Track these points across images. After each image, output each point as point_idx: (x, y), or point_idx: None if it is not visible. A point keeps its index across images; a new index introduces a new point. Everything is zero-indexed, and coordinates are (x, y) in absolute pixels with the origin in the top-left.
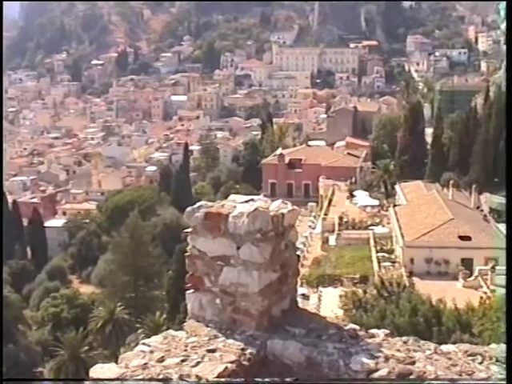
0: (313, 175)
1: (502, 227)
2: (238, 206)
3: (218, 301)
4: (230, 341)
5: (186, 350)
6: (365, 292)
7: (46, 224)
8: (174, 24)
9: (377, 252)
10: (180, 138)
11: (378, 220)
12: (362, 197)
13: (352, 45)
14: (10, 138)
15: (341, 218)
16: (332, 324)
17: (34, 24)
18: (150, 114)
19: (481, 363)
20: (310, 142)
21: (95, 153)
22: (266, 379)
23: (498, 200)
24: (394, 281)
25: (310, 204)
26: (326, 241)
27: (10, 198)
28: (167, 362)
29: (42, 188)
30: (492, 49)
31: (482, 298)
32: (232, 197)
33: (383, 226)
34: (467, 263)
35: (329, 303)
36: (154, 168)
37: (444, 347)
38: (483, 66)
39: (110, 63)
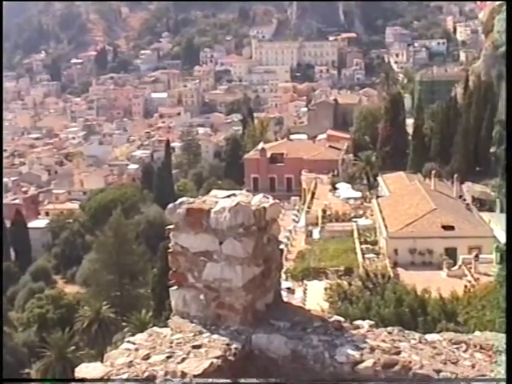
0: (295, 169)
1: (485, 216)
2: (220, 201)
3: (201, 296)
4: (215, 336)
5: (171, 347)
6: (350, 284)
7: (29, 225)
8: (152, 21)
9: (361, 244)
10: (161, 135)
11: (361, 212)
12: (345, 189)
13: (331, 38)
14: None
15: (324, 211)
16: (316, 317)
17: (11, 24)
18: (131, 112)
19: (465, 351)
20: (291, 136)
21: (77, 152)
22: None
23: (480, 189)
24: (379, 272)
25: (292, 198)
26: (309, 234)
27: None
28: (153, 360)
29: (23, 189)
30: (470, 38)
31: (466, 286)
32: (213, 192)
33: (366, 217)
34: (451, 252)
35: (314, 296)
36: (136, 166)
37: (428, 336)
38: (462, 56)
39: (90, 62)
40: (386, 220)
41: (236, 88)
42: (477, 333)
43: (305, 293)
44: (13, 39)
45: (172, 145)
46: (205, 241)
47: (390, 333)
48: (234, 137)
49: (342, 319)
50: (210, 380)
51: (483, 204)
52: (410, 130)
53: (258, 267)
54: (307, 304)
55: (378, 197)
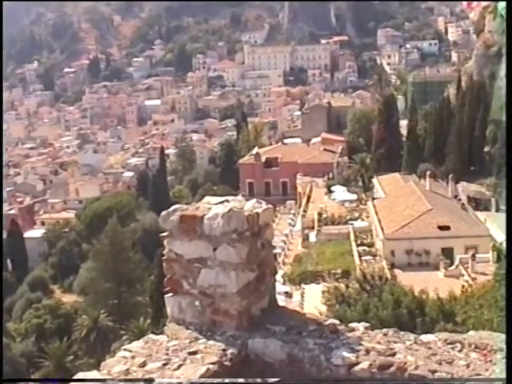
0: (290, 173)
1: (481, 215)
2: (213, 207)
3: (197, 303)
4: (211, 342)
5: (167, 354)
6: (347, 287)
7: (25, 235)
8: (144, 28)
9: (357, 246)
10: (155, 142)
11: (357, 214)
12: (340, 192)
13: (323, 41)
14: None
15: (320, 214)
16: (312, 320)
17: (3, 35)
18: (125, 120)
19: (460, 351)
20: (285, 140)
21: (71, 161)
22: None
23: (475, 188)
24: (376, 274)
25: (288, 202)
26: (306, 237)
27: None
28: (149, 367)
29: (19, 199)
30: (462, 39)
31: (463, 286)
32: (206, 198)
33: (362, 219)
34: (447, 252)
35: (312, 300)
36: (131, 173)
37: (424, 337)
38: (454, 56)
39: (82, 71)
40: (382, 222)
41: (229, 93)
42: (471, 332)
43: (302, 296)
44: (5, 50)
45: (166, 152)
46: (199, 247)
47: (385, 334)
48: (228, 142)
49: (337, 322)
50: (210, 380)
51: (478, 203)
52: (403, 131)
53: (253, 272)
54: (305, 308)
55: (373, 199)
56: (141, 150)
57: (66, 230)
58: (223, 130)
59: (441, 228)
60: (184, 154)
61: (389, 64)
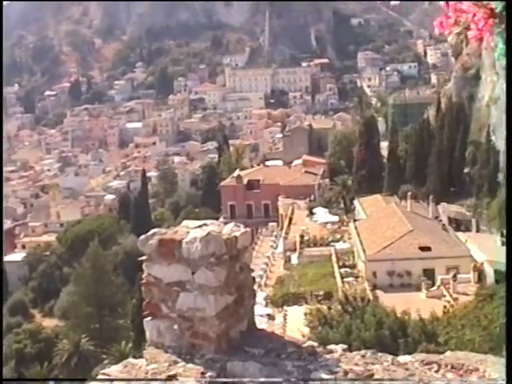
0: (272, 195)
1: (461, 236)
2: (191, 231)
3: (176, 326)
4: (190, 365)
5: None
6: (329, 308)
7: (6, 259)
8: (125, 51)
9: (339, 268)
10: (137, 164)
11: (338, 236)
12: (322, 214)
13: (304, 64)
14: None
15: (302, 236)
16: (290, 342)
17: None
18: (106, 143)
19: (437, 371)
20: (267, 162)
21: (52, 184)
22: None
23: (456, 209)
24: (358, 295)
25: (270, 224)
26: (288, 259)
27: None
28: None
29: None
30: (441, 61)
31: (445, 306)
32: (185, 222)
33: (344, 241)
34: (429, 273)
35: (294, 322)
36: (112, 196)
37: (401, 358)
38: (433, 79)
39: (64, 93)
40: (363, 243)
41: (211, 116)
42: (448, 353)
43: (285, 318)
44: None
45: (148, 174)
46: (177, 271)
47: (363, 356)
48: (209, 165)
49: (315, 344)
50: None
51: (459, 224)
52: (384, 152)
53: (231, 295)
54: (288, 330)
55: (355, 220)
56: (122, 173)
57: (47, 253)
58: (205, 153)
59: (422, 249)
60: (166, 176)
61: (369, 86)
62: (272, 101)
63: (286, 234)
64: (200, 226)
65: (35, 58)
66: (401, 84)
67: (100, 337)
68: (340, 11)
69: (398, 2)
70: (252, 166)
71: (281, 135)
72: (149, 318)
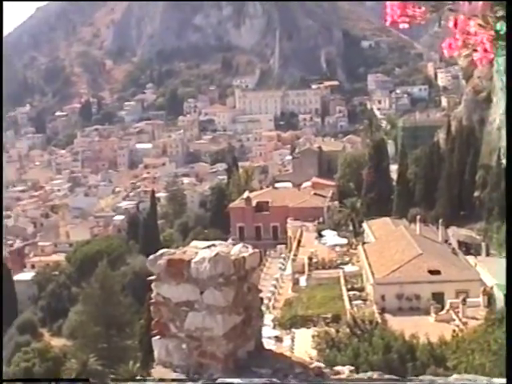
0: (280, 217)
1: (471, 259)
2: (200, 251)
3: (184, 346)
4: None
5: None
6: (337, 331)
7: (15, 278)
8: (136, 73)
9: (348, 290)
10: (146, 185)
11: (347, 259)
12: (331, 236)
13: (314, 86)
14: None
15: (310, 259)
16: (298, 363)
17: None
18: (116, 163)
19: None
20: (276, 184)
21: (62, 204)
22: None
23: (465, 233)
24: (366, 318)
25: (279, 246)
26: (296, 282)
27: None
28: None
29: (9, 242)
30: (452, 84)
31: (454, 331)
32: (194, 243)
33: (353, 264)
34: (438, 297)
35: (302, 344)
36: (121, 217)
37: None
38: (444, 101)
39: (74, 114)
40: (372, 266)
41: (220, 137)
42: (455, 375)
43: (293, 341)
44: None
45: (157, 195)
46: (186, 291)
47: (369, 378)
48: (219, 186)
49: (322, 365)
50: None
51: (469, 248)
52: (394, 175)
53: (239, 316)
54: (295, 352)
55: (363, 243)
56: (132, 194)
57: (56, 272)
58: (214, 174)
59: (431, 272)
60: (175, 197)
61: (379, 109)
62: (282, 123)
63: (295, 256)
64: (209, 247)
65: (46, 79)
66: (411, 107)
67: (108, 356)
68: (350, 33)
69: (407, 25)
70: (261, 188)
71: (290, 157)
72: (157, 337)
